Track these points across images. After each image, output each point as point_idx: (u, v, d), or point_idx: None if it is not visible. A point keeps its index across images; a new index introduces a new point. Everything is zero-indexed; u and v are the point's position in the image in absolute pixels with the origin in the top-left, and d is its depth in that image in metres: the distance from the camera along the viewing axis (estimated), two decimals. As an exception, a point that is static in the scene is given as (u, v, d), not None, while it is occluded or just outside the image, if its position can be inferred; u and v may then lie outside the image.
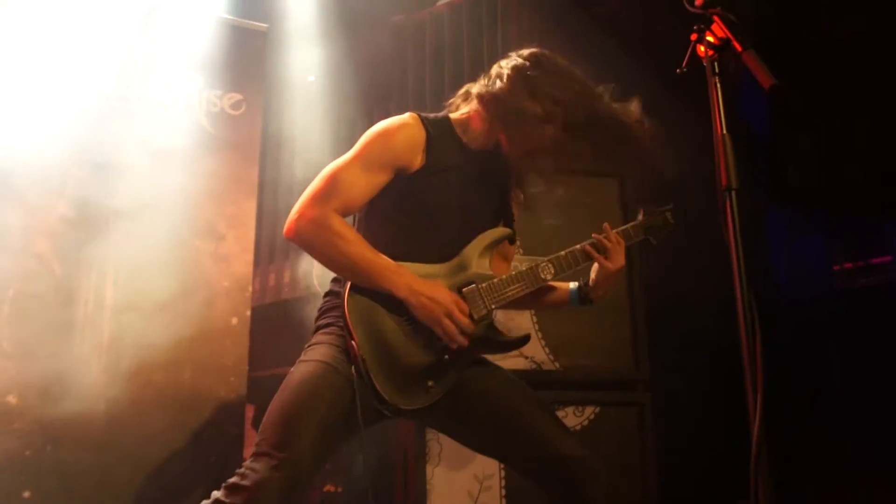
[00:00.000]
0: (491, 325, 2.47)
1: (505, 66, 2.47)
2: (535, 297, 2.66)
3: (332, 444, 2.31)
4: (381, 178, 2.40)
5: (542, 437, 2.40)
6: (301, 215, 2.34)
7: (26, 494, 3.42)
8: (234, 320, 4.01)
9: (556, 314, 3.92)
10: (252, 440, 2.30)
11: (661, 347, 4.27)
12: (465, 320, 2.35)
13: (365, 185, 2.38)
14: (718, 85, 1.99)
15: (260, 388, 4.08)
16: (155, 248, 3.87)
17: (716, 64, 2.00)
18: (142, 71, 4.03)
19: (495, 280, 2.47)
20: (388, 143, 2.40)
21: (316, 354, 2.34)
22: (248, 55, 4.34)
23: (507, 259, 2.69)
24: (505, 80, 2.44)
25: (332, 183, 2.35)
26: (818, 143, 4.58)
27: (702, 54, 2.02)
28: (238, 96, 4.24)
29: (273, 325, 4.94)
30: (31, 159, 3.69)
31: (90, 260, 3.74)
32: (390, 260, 2.34)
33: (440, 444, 3.76)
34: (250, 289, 4.13)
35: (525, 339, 2.52)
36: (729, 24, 1.97)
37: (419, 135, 2.42)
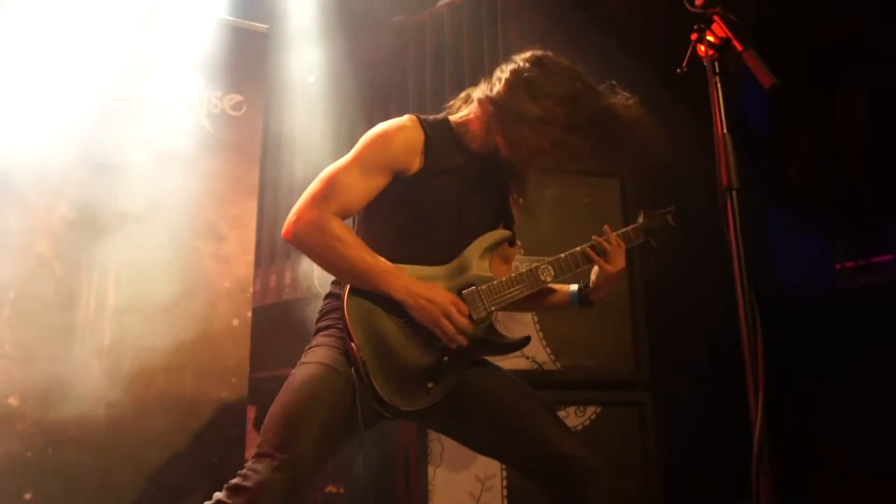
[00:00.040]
0: (491, 327, 2.48)
1: (505, 69, 2.47)
2: (536, 300, 2.66)
3: (333, 445, 2.32)
4: (379, 181, 2.40)
5: (542, 438, 2.40)
6: (299, 217, 2.35)
7: (28, 496, 3.42)
8: (236, 321, 4.01)
9: (557, 314, 3.92)
10: (253, 441, 2.30)
11: (662, 347, 4.26)
12: (463, 321, 2.35)
13: (363, 188, 2.39)
14: (719, 85, 1.99)
15: (261, 389, 4.08)
16: (156, 249, 3.87)
17: (716, 64, 2.00)
18: (142, 72, 4.03)
19: (495, 282, 2.47)
20: (386, 146, 2.40)
21: (316, 357, 2.35)
22: (249, 56, 4.34)
23: (507, 261, 2.69)
24: (504, 83, 2.43)
25: (330, 185, 2.36)
26: (819, 142, 4.57)
27: (702, 54, 2.02)
28: (238, 97, 4.24)
29: (274, 326, 4.94)
30: (32, 160, 3.69)
31: (91, 261, 3.74)
32: (388, 262, 2.35)
33: (442, 445, 3.76)
34: (251, 290, 4.13)
35: (525, 341, 2.52)
36: (729, 24, 1.97)
37: (417, 137, 2.42)
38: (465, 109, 2.56)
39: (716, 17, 1.99)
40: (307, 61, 5.40)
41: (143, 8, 4.08)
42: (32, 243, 3.64)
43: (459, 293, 2.40)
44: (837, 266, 5.10)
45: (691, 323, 4.65)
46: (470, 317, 2.38)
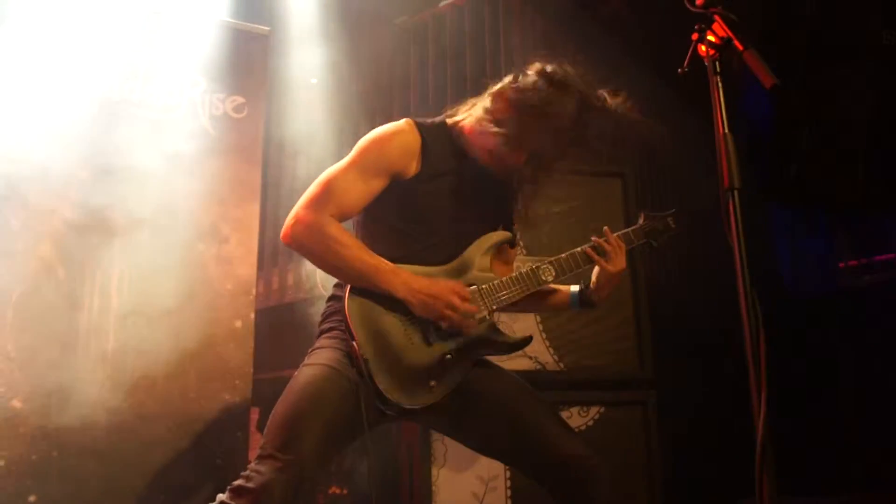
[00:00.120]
0: (493, 326, 2.48)
1: (507, 85, 2.46)
2: (537, 300, 2.67)
3: (337, 446, 2.33)
4: (376, 184, 2.42)
5: (544, 438, 2.41)
6: (297, 220, 2.37)
7: (32, 499, 3.42)
8: (238, 323, 4.01)
9: (559, 314, 3.92)
10: (257, 443, 2.31)
11: (665, 347, 4.27)
12: (467, 306, 2.36)
13: (360, 191, 2.41)
14: (720, 84, 1.99)
15: (264, 390, 4.08)
16: (159, 251, 3.87)
17: (717, 63, 2.00)
18: (144, 74, 4.03)
19: (496, 282, 2.48)
20: (383, 150, 2.42)
21: (319, 358, 2.36)
22: (251, 58, 4.34)
23: (508, 262, 2.70)
24: (505, 101, 2.43)
25: (328, 189, 2.38)
26: (821, 140, 4.57)
27: (703, 54, 2.02)
28: (240, 99, 4.24)
29: (277, 327, 4.94)
30: (35, 163, 3.69)
31: (94, 264, 3.75)
32: (387, 261, 2.36)
33: (445, 446, 3.77)
34: (254, 292, 4.13)
35: (527, 340, 2.52)
36: (730, 24, 1.97)
37: (414, 141, 2.43)
38: (462, 113, 2.56)
39: (716, 17, 1.99)
40: (309, 63, 5.40)
41: (145, 10, 4.08)
42: (35, 246, 3.64)
43: (462, 284, 2.42)
44: (840, 265, 5.10)
45: (694, 322, 4.65)
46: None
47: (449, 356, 2.38)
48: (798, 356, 4.59)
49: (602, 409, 3.94)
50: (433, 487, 3.76)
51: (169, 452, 3.73)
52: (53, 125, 3.75)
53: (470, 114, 2.53)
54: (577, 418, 3.88)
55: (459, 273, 2.46)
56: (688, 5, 2.05)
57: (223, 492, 2.22)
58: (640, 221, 2.75)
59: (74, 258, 3.71)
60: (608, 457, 2.43)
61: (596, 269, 2.62)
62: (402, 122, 2.48)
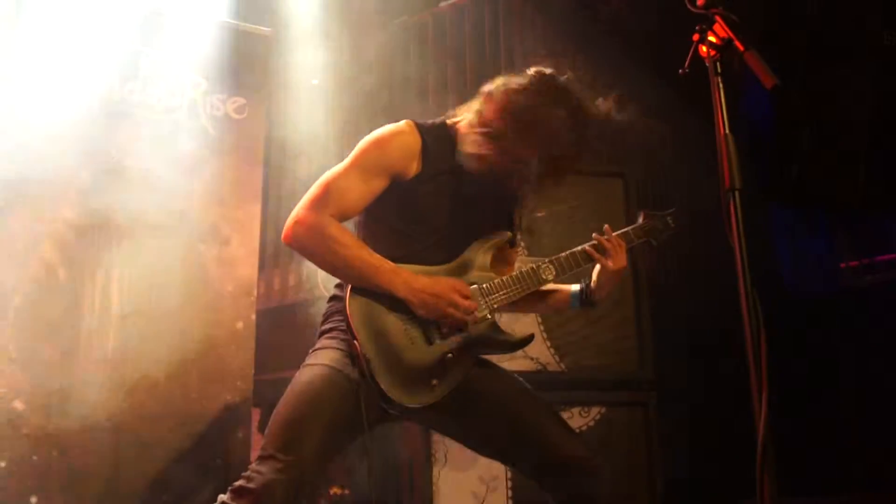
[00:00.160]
0: (494, 325, 2.49)
1: (498, 85, 2.45)
2: (538, 300, 2.67)
3: (338, 446, 2.33)
4: (376, 185, 2.43)
5: (545, 439, 2.41)
6: (297, 221, 2.38)
7: (33, 500, 3.42)
8: (240, 324, 4.01)
9: (560, 315, 3.93)
10: (259, 444, 2.31)
11: (666, 347, 4.27)
12: (468, 303, 2.37)
13: (360, 192, 2.42)
14: (720, 85, 1.99)
15: (266, 391, 4.09)
16: (160, 252, 3.88)
17: (718, 64, 2.00)
18: (145, 75, 4.03)
19: (496, 281, 2.49)
20: (382, 151, 2.42)
21: (320, 359, 2.36)
22: (252, 59, 4.34)
23: (509, 262, 2.70)
24: (492, 103, 2.42)
25: (328, 190, 2.39)
26: (822, 141, 4.58)
27: (704, 55, 2.02)
28: (241, 100, 4.24)
29: (278, 328, 4.94)
30: (36, 164, 3.69)
31: (95, 265, 3.75)
32: (388, 261, 2.36)
33: (446, 447, 3.77)
34: (255, 293, 4.13)
35: (529, 339, 2.53)
36: (731, 24, 1.97)
37: (414, 142, 2.44)
38: (461, 114, 2.56)
39: (717, 18, 1.99)
40: (310, 64, 5.41)
41: (146, 11, 4.09)
42: (37, 248, 3.64)
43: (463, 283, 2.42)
44: (841, 265, 5.11)
45: (695, 323, 4.65)
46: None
47: (450, 355, 2.39)
48: (799, 356, 4.59)
49: (603, 410, 3.94)
50: (434, 488, 3.76)
51: (170, 453, 3.73)
52: (54, 126, 3.76)
53: (465, 116, 2.53)
54: (577, 419, 3.88)
55: (460, 272, 2.47)
56: (689, 6, 2.06)
57: (224, 492, 2.22)
58: (640, 220, 2.76)
59: (76, 259, 3.71)
60: (609, 457, 2.43)
61: (596, 268, 2.62)
62: (402, 124, 2.48)
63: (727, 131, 1.97)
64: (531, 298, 2.59)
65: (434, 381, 2.37)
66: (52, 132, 3.75)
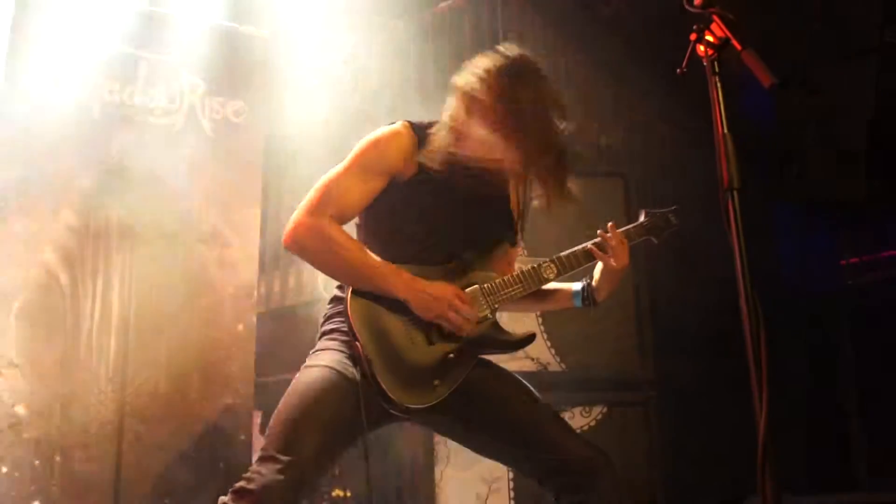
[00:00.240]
0: (496, 325, 2.48)
1: (458, 81, 2.45)
2: (539, 299, 2.67)
3: (339, 447, 2.33)
4: (374, 186, 2.43)
5: (546, 440, 2.41)
6: (297, 225, 2.39)
7: (36, 504, 3.43)
8: (240, 327, 4.01)
9: (561, 315, 3.92)
10: (260, 446, 2.31)
11: (666, 347, 4.26)
12: (468, 309, 2.37)
13: (358, 194, 2.42)
14: (718, 84, 1.99)
15: (267, 393, 4.09)
16: (160, 255, 3.88)
17: (715, 63, 2.00)
18: (144, 78, 4.04)
19: (497, 280, 2.48)
20: (380, 152, 2.43)
21: (321, 360, 2.36)
22: (250, 62, 4.35)
23: (510, 261, 2.69)
24: (457, 99, 2.42)
25: (326, 192, 2.40)
26: (823, 138, 4.57)
27: (702, 54, 2.02)
28: (240, 103, 4.25)
29: (279, 330, 4.95)
30: (36, 169, 3.70)
31: (96, 269, 3.76)
32: (389, 263, 2.37)
33: (448, 447, 3.77)
34: (255, 295, 4.13)
35: (530, 338, 2.52)
36: (728, 23, 1.97)
37: (411, 142, 2.44)
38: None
39: (715, 17, 1.99)
40: (309, 66, 5.41)
41: (145, 14, 4.09)
42: (38, 252, 3.65)
43: (463, 291, 2.42)
44: (843, 262, 5.10)
45: (695, 322, 4.65)
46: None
47: (451, 355, 2.39)
48: (800, 355, 4.59)
49: (604, 409, 3.94)
50: (436, 488, 3.76)
51: (172, 455, 3.73)
52: (55, 130, 3.76)
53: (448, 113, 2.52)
54: (579, 419, 3.88)
55: (461, 273, 2.46)
56: (686, 5, 2.05)
57: (226, 494, 2.22)
58: (642, 218, 2.75)
59: (76, 263, 3.72)
60: (610, 457, 2.42)
61: (598, 267, 2.62)
62: (398, 125, 2.48)
63: (726, 130, 1.97)
64: (532, 297, 2.59)
65: (435, 382, 2.37)
66: (52, 136, 3.75)
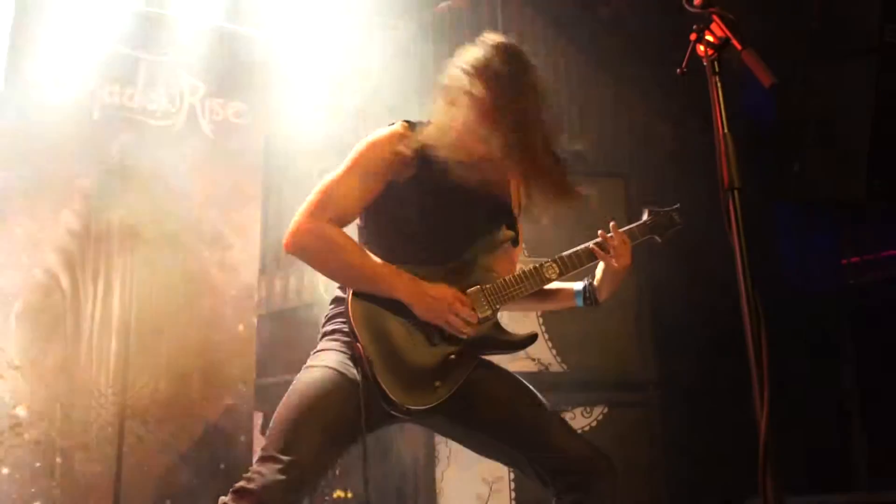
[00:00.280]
0: (497, 325, 2.48)
1: (453, 79, 2.45)
2: (541, 299, 2.66)
3: (339, 448, 2.33)
4: (374, 188, 2.43)
5: (547, 440, 2.41)
6: (297, 228, 2.39)
7: (37, 505, 3.43)
8: (241, 328, 4.02)
9: (562, 315, 3.92)
10: (260, 447, 2.31)
11: (668, 347, 4.26)
12: (468, 312, 2.37)
13: (359, 196, 2.42)
14: (719, 84, 1.99)
15: (268, 395, 4.09)
16: (161, 257, 3.88)
17: (716, 63, 1.99)
18: (144, 80, 4.04)
19: (499, 280, 2.48)
20: (379, 153, 2.43)
21: (322, 360, 2.36)
22: (250, 63, 4.36)
23: (511, 261, 2.69)
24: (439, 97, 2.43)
25: (326, 195, 2.40)
26: (824, 137, 4.57)
27: (702, 54, 2.02)
28: (241, 105, 4.25)
29: (280, 332, 4.94)
30: (37, 171, 3.70)
31: (96, 270, 3.76)
32: (389, 265, 2.37)
33: (449, 448, 3.77)
34: (256, 296, 4.14)
35: (532, 338, 2.51)
36: (728, 23, 1.97)
37: (409, 143, 2.43)
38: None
39: (714, 17, 1.98)
40: (309, 67, 5.41)
41: (145, 16, 4.09)
42: (38, 254, 3.65)
43: (463, 293, 2.42)
44: (844, 262, 5.09)
45: (697, 322, 4.64)
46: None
47: (452, 356, 2.39)
48: (800, 354, 4.58)
49: (605, 410, 3.94)
50: (437, 489, 3.76)
51: (173, 456, 3.74)
52: (55, 133, 3.77)
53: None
54: (580, 419, 3.88)
55: (462, 273, 2.46)
56: (686, 5, 2.05)
57: (226, 495, 2.22)
58: (645, 217, 2.74)
59: (77, 265, 3.72)
60: (611, 457, 2.42)
61: (600, 266, 2.61)
62: (397, 125, 2.48)
63: (726, 130, 1.97)
64: (534, 297, 2.58)
65: (436, 383, 2.37)
66: (52, 138, 3.76)
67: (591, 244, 2.60)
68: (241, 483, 2.18)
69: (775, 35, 4.80)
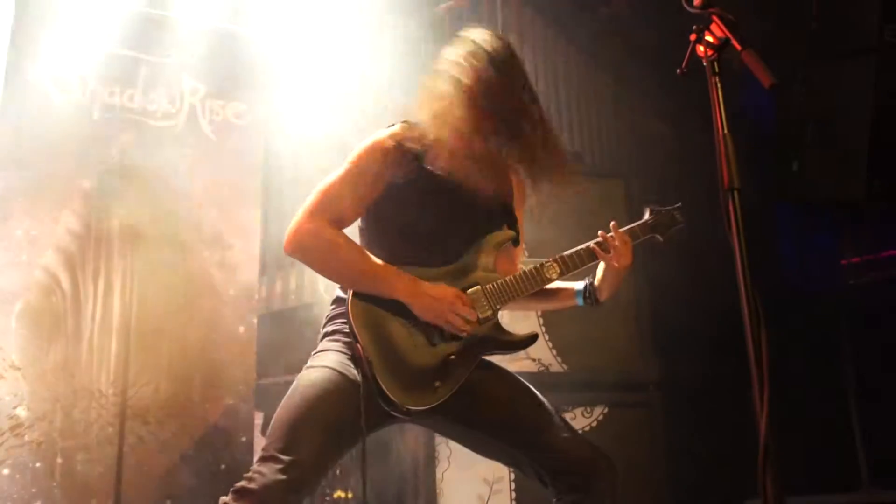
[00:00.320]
0: (498, 325, 2.48)
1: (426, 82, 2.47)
2: (542, 298, 2.66)
3: (340, 448, 2.33)
4: (374, 189, 2.44)
5: (548, 441, 2.41)
6: (297, 230, 2.39)
7: (38, 506, 3.43)
8: (241, 328, 4.02)
9: (562, 315, 3.92)
10: (261, 447, 2.31)
11: (668, 348, 4.26)
12: (468, 310, 2.37)
13: (358, 197, 2.43)
14: (718, 85, 1.99)
15: (268, 395, 4.09)
16: (161, 257, 3.89)
17: (715, 64, 2.00)
18: (145, 81, 4.04)
19: (500, 281, 2.48)
20: (379, 155, 2.43)
21: (322, 361, 2.36)
22: (250, 64, 4.36)
23: (512, 261, 2.69)
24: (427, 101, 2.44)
25: (326, 196, 2.41)
26: (824, 137, 4.57)
27: (701, 54, 2.02)
28: (240, 105, 4.25)
29: (280, 332, 4.94)
30: (38, 172, 3.71)
31: (97, 271, 3.76)
32: (389, 265, 2.37)
33: (450, 448, 3.77)
34: (256, 296, 4.14)
35: (533, 338, 2.52)
36: (728, 24, 1.97)
37: (409, 144, 2.43)
38: None
39: (714, 18, 1.99)
40: (309, 68, 5.41)
41: (145, 17, 4.10)
42: (39, 254, 3.66)
43: (464, 293, 2.42)
44: (843, 262, 5.09)
45: (697, 323, 4.64)
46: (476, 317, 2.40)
47: (453, 357, 2.39)
48: (801, 354, 4.58)
49: (606, 410, 3.94)
50: (438, 489, 3.76)
51: (173, 457, 3.74)
52: (56, 134, 3.77)
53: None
54: (580, 419, 3.88)
55: (463, 273, 2.46)
56: (685, 6, 2.05)
57: (227, 495, 2.22)
58: (646, 216, 2.74)
59: (77, 265, 3.72)
60: (612, 457, 2.42)
61: (601, 266, 2.61)
62: (397, 127, 2.48)
63: (726, 131, 1.97)
64: (535, 296, 2.58)
65: (437, 383, 2.37)
66: (53, 139, 3.77)
67: (591, 244, 2.60)
68: (242, 483, 2.19)
69: (775, 35, 4.80)
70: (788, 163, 4.71)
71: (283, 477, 2.14)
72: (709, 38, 2.00)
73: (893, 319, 4.61)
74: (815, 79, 4.65)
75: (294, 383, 2.35)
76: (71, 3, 3.90)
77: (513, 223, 2.64)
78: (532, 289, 2.52)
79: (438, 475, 3.76)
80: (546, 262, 2.55)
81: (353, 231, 2.52)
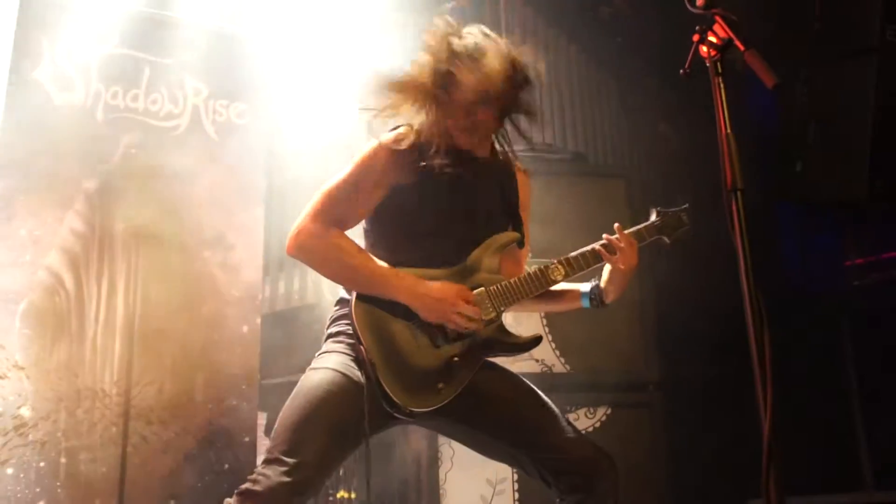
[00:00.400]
0: (501, 327, 2.48)
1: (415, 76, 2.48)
2: (547, 300, 2.66)
3: (344, 449, 2.33)
4: (377, 191, 2.44)
5: (551, 441, 2.41)
6: (300, 231, 2.40)
7: (41, 506, 3.44)
8: (245, 328, 4.02)
9: (565, 316, 3.92)
10: (265, 448, 2.31)
11: (671, 348, 4.26)
12: (472, 308, 2.37)
13: (361, 200, 2.44)
14: (721, 85, 1.99)
15: (272, 395, 4.09)
16: (165, 258, 3.89)
17: (718, 64, 2.00)
18: (147, 82, 4.05)
19: (504, 282, 2.48)
20: (382, 157, 2.43)
21: (326, 362, 2.37)
22: (253, 64, 4.36)
23: (517, 262, 2.68)
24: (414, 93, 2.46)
25: (329, 199, 2.41)
26: (827, 138, 4.57)
27: (704, 55, 2.02)
28: (243, 105, 4.25)
29: (284, 332, 4.95)
30: (41, 173, 3.71)
31: (101, 271, 3.76)
32: (391, 267, 2.37)
33: (452, 449, 3.77)
34: (260, 297, 4.14)
35: (537, 341, 2.52)
36: (730, 24, 1.97)
37: (413, 146, 2.43)
38: None
39: (717, 18, 1.99)
40: (311, 68, 5.41)
41: (148, 18, 4.10)
42: (42, 255, 3.66)
43: (467, 289, 2.42)
44: (847, 263, 5.09)
45: (701, 324, 4.64)
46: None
47: (456, 358, 2.39)
48: (803, 355, 4.58)
49: (609, 411, 3.94)
50: (441, 490, 3.76)
51: (177, 457, 3.74)
52: (59, 135, 3.77)
53: None
54: (583, 420, 3.88)
55: (467, 275, 2.46)
56: (688, 6, 2.05)
57: (231, 496, 2.23)
58: (653, 217, 2.72)
59: (81, 266, 3.73)
60: (614, 458, 2.42)
61: (607, 268, 2.60)
62: (401, 129, 2.48)
63: (729, 131, 1.97)
64: (540, 298, 2.58)
65: (440, 385, 2.37)
66: (56, 139, 3.77)
67: (596, 245, 2.59)
68: (247, 485, 2.19)
69: (777, 36, 4.80)
70: (791, 163, 4.71)
71: (287, 479, 2.14)
72: (712, 38, 2.00)
73: (895, 320, 4.61)
74: (818, 79, 4.65)
75: (298, 385, 2.36)
76: (73, 3, 3.90)
77: (517, 225, 2.64)
78: (537, 291, 2.52)
79: (441, 476, 3.77)
80: (551, 264, 2.55)
81: (357, 232, 2.52)
